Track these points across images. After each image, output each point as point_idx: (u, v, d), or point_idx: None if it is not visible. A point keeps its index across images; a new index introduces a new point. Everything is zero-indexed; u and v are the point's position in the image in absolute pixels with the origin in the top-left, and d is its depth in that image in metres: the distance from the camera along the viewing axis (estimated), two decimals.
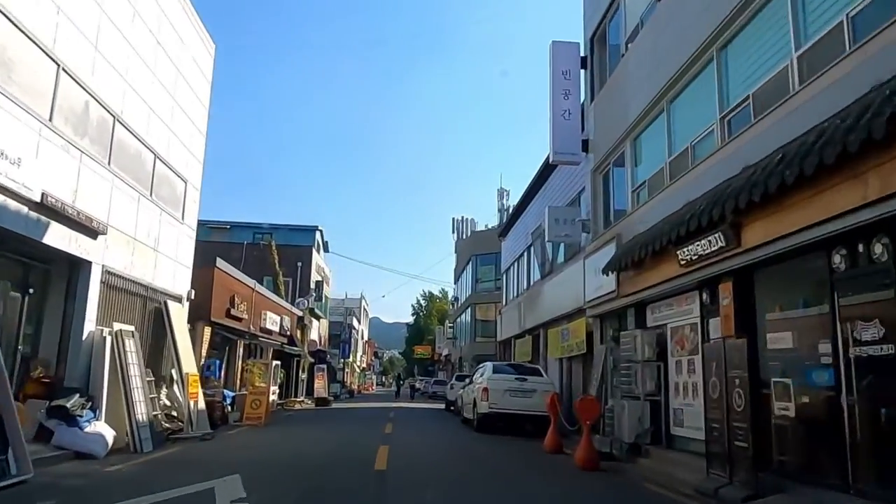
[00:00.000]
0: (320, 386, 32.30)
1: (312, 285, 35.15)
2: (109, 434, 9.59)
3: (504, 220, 36.08)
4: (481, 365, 18.80)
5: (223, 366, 19.56)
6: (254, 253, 34.48)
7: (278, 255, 33.27)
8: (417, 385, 66.45)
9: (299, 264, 35.48)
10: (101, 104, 10.92)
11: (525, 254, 26.46)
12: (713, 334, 9.34)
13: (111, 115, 11.30)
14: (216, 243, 35.30)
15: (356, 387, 62.75)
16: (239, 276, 19.49)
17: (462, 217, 60.36)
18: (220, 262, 17.24)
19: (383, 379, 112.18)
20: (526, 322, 24.49)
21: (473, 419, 16.56)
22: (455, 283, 60.44)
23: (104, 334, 10.76)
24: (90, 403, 9.72)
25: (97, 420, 9.70)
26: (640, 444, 10.95)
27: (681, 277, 10.07)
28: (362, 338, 79.13)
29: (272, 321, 23.70)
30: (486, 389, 15.72)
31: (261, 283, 27.96)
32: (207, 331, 16.97)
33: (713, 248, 8.76)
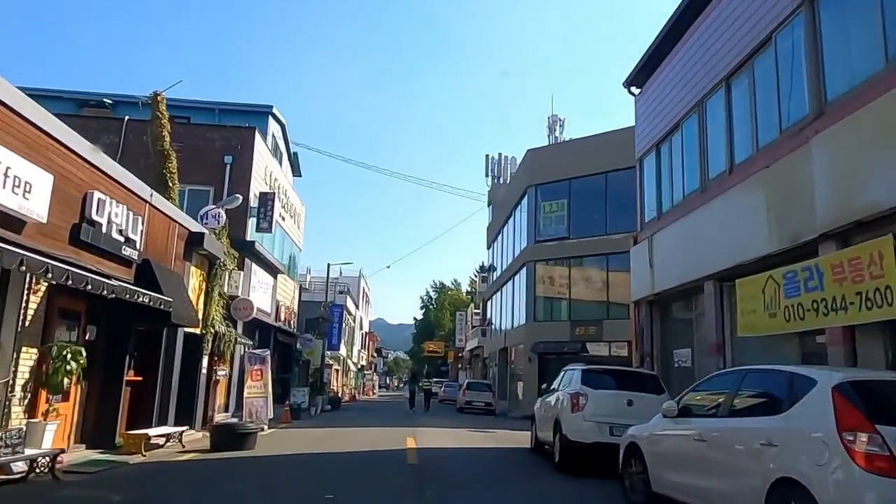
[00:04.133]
0: (254, 394, 15.39)
1: (252, 197, 18.27)
2: None
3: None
4: None
5: None
6: (144, 137, 17.46)
7: (170, 132, 16.22)
8: (434, 389, 49.02)
9: (228, 160, 18.68)
10: None
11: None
12: None
13: None
14: (83, 119, 19.20)
15: (349, 392, 45.67)
16: None
17: (500, 154, 43.37)
18: None
19: (387, 380, 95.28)
20: (854, 197, 7.41)
21: None
22: (488, 249, 43.38)
23: None
24: None
25: None
26: None
27: None
28: (361, 328, 62.06)
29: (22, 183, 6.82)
30: None
31: (165, 195, 11.29)
32: None
33: None
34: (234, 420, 12.70)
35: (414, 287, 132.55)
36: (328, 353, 39.17)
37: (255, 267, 19.15)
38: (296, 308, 26.91)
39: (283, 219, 23.74)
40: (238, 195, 15.02)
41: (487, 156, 43.00)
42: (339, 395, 35.76)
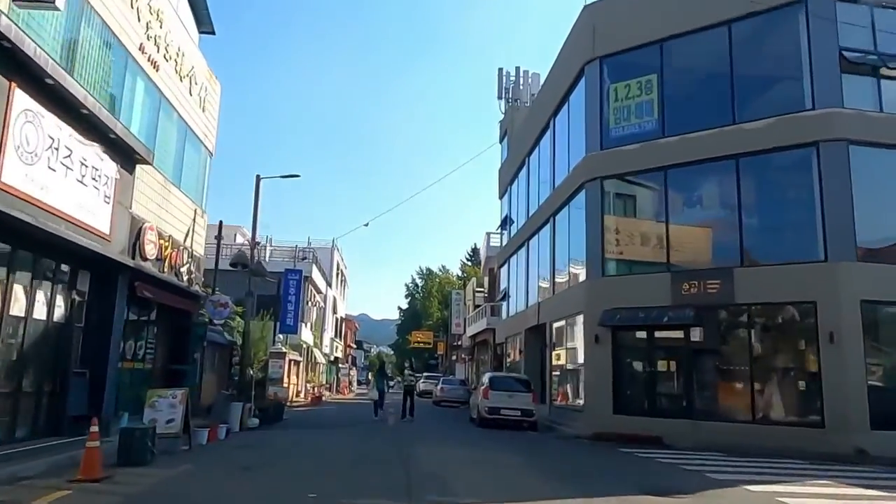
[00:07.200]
0: None
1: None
2: None
3: None
4: None
5: None
6: None
7: None
8: (422, 385, 37.32)
9: None
10: None
11: None
12: None
13: None
14: None
15: (314, 390, 34.24)
16: None
17: (517, 69, 32.07)
18: None
19: (368, 376, 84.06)
20: None
21: None
22: (501, 198, 32.06)
23: None
24: None
25: None
26: None
27: None
28: (335, 311, 50.52)
29: None
30: None
31: None
32: None
33: None
34: None
35: (400, 282, 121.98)
36: (280, 336, 27.89)
37: (32, 105, 7.74)
38: (197, 249, 15.45)
39: (157, 66, 12.35)
40: None
41: (501, 69, 31.56)
42: (292, 396, 24.31)
